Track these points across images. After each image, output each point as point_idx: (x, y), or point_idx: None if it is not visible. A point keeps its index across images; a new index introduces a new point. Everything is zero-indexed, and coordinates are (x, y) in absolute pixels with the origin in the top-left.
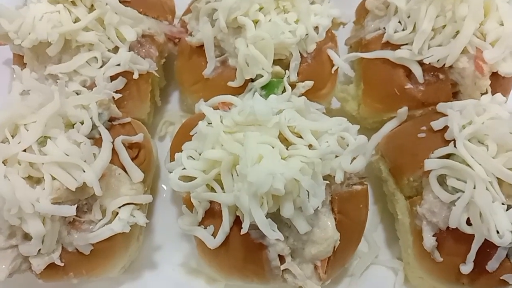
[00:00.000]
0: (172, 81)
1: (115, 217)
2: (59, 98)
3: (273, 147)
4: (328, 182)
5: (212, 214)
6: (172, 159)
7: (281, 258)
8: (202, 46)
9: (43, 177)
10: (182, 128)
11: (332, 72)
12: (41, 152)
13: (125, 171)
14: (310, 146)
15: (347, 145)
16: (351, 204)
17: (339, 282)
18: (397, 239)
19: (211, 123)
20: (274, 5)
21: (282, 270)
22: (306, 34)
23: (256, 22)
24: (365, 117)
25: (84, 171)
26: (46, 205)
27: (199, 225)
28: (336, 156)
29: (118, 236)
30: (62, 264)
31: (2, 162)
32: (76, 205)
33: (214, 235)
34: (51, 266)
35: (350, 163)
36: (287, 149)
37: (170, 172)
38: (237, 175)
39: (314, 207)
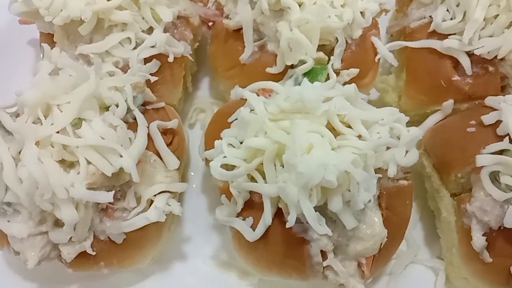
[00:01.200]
0: (202, 67)
1: (150, 205)
2: (95, 79)
3: (322, 137)
4: (380, 175)
5: (251, 205)
6: (207, 146)
7: (323, 254)
8: (239, 30)
9: (76, 161)
10: (217, 115)
11: (376, 60)
12: (76, 134)
13: (160, 158)
14: (359, 137)
15: (397, 137)
16: (398, 200)
17: (378, 280)
18: (437, 238)
19: (253, 110)
20: None
21: (324, 267)
22: (352, 19)
23: (300, 4)
24: (406, 110)
25: (121, 156)
26: (81, 190)
27: (237, 216)
28: (387, 148)
29: (151, 226)
30: (94, 253)
31: (35, 144)
32: (113, 192)
33: (253, 227)
34: (82, 255)
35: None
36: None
37: (210, 160)
38: (281, 165)
39: (365, 201)
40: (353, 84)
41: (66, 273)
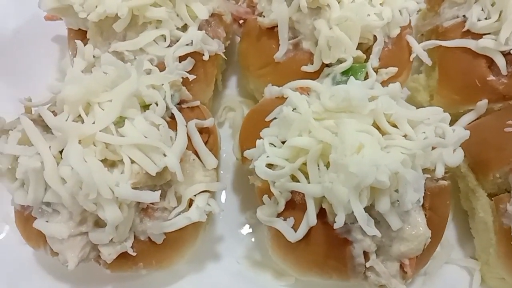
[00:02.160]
0: (229, 65)
1: (189, 205)
2: (137, 77)
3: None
4: (429, 175)
5: (292, 205)
6: (242, 145)
7: (365, 255)
8: (272, 27)
9: (118, 161)
10: (251, 114)
11: (411, 59)
12: (118, 133)
13: (197, 157)
14: (404, 137)
15: (439, 137)
16: (439, 200)
17: (413, 281)
18: (470, 238)
19: (295, 109)
20: None
21: (365, 268)
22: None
23: (338, 2)
24: None
25: (165, 155)
26: (126, 190)
27: (277, 217)
28: (432, 148)
29: (189, 226)
30: (135, 254)
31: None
32: (160, 191)
33: (294, 227)
34: (121, 256)
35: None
36: None
37: (247, 160)
38: (324, 165)
39: (413, 202)
40: (397, 83)
41: (98, 273)
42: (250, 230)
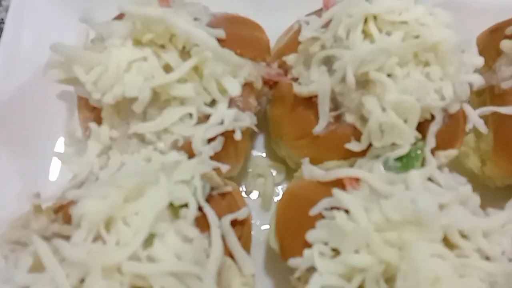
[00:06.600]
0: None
1: None
2: (167, 185)
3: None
4: None
5: None
6: (280, 238)
7: None
8: (311, 97)
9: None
10: (290, 198)
11: (467, 130)
12: (146, 251)
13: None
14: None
15: None
16: None
17: None
18: None
19: (348, 212)
20: (412, 56)
21: None
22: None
23: (388, 75)
24: (491, 177)
25: (200, 280)
26: None
27: None
28: None
29: None
30: None
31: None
32: None
33: None
34: None
35: None
36: None
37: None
38: (383, 281)
39: None
40: (469, 186)
41: None
42: None
